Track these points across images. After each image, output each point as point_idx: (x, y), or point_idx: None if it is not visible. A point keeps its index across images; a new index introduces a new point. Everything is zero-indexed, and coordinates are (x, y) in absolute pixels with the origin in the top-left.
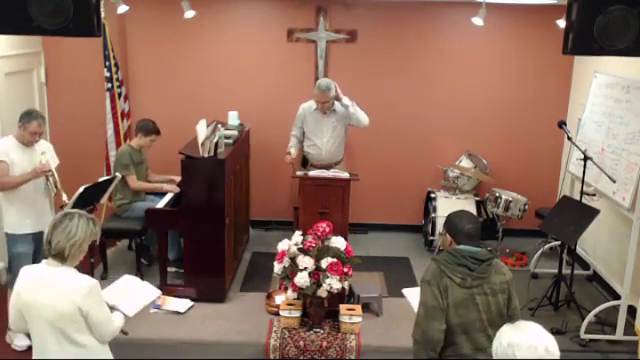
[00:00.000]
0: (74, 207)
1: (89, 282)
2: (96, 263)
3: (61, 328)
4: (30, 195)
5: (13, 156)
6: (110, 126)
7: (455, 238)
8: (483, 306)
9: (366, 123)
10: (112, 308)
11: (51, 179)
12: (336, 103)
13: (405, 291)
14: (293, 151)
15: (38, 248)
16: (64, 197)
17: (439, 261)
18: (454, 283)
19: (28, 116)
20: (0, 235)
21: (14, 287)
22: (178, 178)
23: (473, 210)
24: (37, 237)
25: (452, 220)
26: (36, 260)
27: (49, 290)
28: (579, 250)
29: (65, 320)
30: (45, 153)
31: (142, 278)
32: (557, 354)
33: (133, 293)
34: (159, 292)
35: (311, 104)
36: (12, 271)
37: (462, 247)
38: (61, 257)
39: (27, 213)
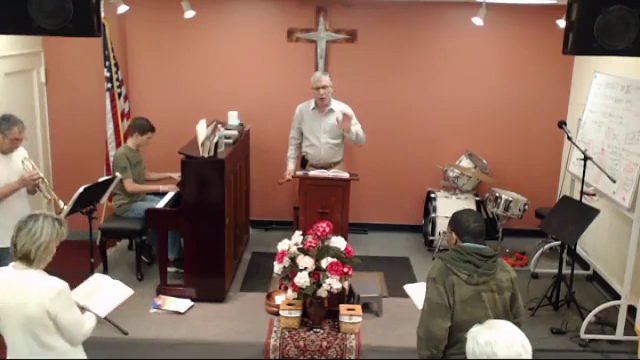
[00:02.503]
0: (74, 207)
1: (57, 285)
2: (96, 263)
3: (31, 331)
4: (15, 206)
5: None
6: (110, 126)
7: (460, 236)
8: (490, 303)
9: (363, 143)
10: (83, 309)
11: (42, 186)
12: (333, 102)
13: (407, 287)
14: (291, 166)
15: None
16: (61, 204)
17: (445, 259)
18: (461, 280)
19: (7, 122)
20: None
21: None
22: (176, 175)
23: None
24: None
25: (458, 218)
26: None
27: (17, 293)
28: (579, 250)
29: (34, 323)
30: (27, 158)
31: (142, 278)
32: (530, 351)
33: (104, 293)
34: (131, 291)
35: (308, 104)
36: None
37: (467, 244)
38: (27, 260)
39: (13, 225)
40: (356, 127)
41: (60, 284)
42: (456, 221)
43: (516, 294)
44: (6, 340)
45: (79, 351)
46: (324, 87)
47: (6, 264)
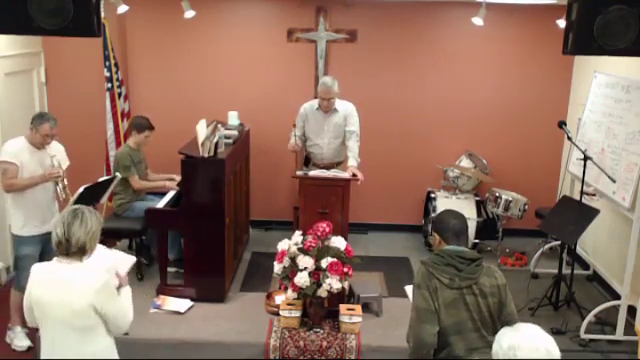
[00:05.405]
0: None
1: (101, 278)
2: None
3: (73, 325)
4: (39, 197)
5: (22, 158)
6: (110, 126)
7: (442, 236)
8: (473, 306)
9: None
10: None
11: (60, 184)
12: (337, 102)
13: (407, 288)
14: (294, 140)
15: (45, 249)
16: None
17: (427, 263)
18: (443, 284)
19: (40, 118)
20: (2, 236)
21: (27, 286)
22: (178, 177)
23: (473, 210)
24: (44, 238)
25: (438, 219)
26: (42, 261)
27: (62, 288)
28: (579, 250)
29: (77, 317)
30: (56, 156)
31: (142, 278)
32: (557, 354)
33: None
34: (134, 258)
35: (313, 104)
36: (17, 271)
37: (449, 247)
38: (82, 252)
39: (34, 215)
40: (357, 159)
41: (104, 277)
42: (437, 221)
43: (504, 301)
44: (42, 334)
45: (114, 350)
46: (330, 99)
47: (24, 253)
